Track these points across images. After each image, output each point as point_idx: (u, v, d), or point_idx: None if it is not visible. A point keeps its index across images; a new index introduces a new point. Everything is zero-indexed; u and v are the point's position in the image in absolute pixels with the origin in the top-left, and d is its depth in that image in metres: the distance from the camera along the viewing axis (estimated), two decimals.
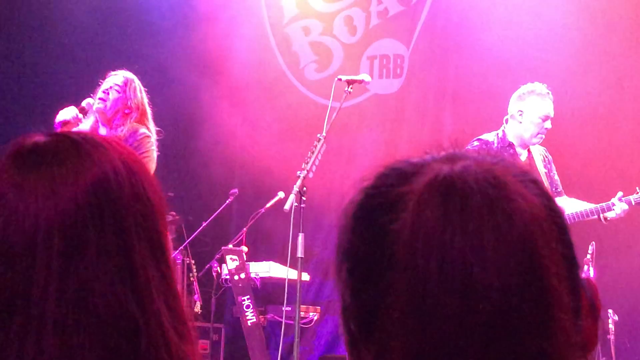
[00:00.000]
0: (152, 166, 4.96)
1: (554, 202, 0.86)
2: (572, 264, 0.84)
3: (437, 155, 0.87)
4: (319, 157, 4.90)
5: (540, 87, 5.39)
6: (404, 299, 0.79)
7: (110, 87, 5.08)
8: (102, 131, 5.06)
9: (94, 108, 5.09)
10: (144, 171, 1.18)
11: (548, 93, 5.37)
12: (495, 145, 5.37)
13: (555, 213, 0.84)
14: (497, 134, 5.45)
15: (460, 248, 0.78)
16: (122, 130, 5.01)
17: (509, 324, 0.78)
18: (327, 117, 5.01)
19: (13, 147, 1.16)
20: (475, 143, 5.34)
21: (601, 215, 5.32)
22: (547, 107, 5.33)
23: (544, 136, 5.36)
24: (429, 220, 0.79)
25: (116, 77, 5.14)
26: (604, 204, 5.32)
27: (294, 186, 4.79)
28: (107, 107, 5.06)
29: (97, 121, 5.11)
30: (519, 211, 0.80)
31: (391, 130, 7.80)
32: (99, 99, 5.08)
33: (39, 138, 1.16)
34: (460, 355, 0.77)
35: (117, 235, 1.10)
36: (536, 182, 0.85)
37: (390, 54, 7.96)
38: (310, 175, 4.85)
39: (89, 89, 5.23)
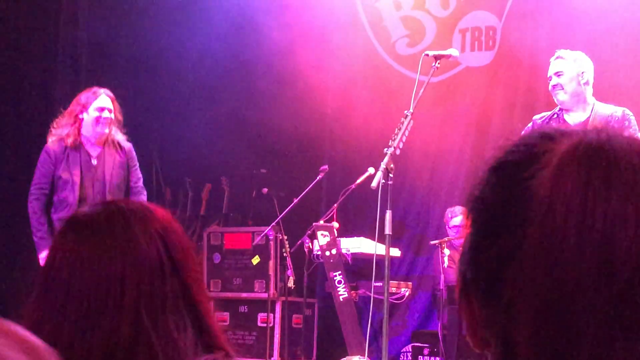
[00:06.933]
0: None
1: None
2: None
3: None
4: (406, 133, 4.85)
5: None
6: (538, 257, 0.79)
7: (109, 110, 5.39)
8: (94, 150, 5.41)
9: (97, 130, 5.37)
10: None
11: None
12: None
13: None
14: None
15: (602, 216, 0.78)
16: (115, 144, 5.47)
17: None
18: (414, 92, 4.96)
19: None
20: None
21: None
22: None
23: None
24: (571, 182, 0.80)
25: (107, 100, 5.41)
26: None
27: (381, 163, 4.76)
28: (109, 131, 5.44)
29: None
30: None
31: (483, 103, 7.67)
32: (103, 123, 5.38)
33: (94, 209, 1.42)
34: (586, 321, 0.77)
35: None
36: None
37: (482, 26, 7.81)
38: (397, 152, 4.81)
39: None
